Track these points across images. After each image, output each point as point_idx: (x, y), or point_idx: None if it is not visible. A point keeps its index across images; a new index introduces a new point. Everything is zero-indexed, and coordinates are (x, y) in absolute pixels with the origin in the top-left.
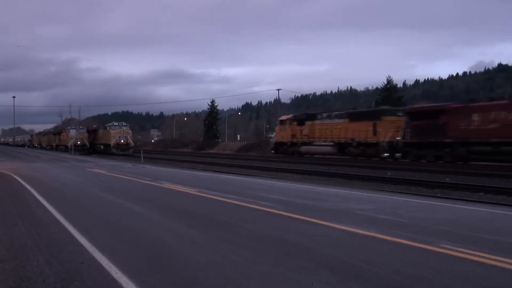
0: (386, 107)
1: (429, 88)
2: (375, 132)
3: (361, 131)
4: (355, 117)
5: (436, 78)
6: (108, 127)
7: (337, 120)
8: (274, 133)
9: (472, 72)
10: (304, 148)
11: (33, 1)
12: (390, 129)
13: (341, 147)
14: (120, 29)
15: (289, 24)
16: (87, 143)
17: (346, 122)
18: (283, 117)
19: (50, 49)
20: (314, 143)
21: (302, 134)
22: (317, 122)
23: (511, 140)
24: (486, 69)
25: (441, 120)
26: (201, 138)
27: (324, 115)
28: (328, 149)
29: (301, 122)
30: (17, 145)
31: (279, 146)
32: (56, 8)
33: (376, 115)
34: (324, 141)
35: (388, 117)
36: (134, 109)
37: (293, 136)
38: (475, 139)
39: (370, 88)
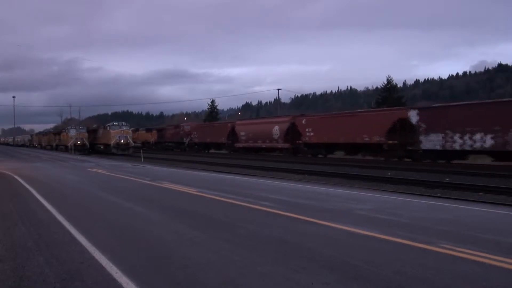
0: (147, 127)
1: (429, 88)
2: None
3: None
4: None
5: (436, 78)
6: (108, 127)
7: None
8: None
9: (473, 72)
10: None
11: (34, 1)
12: (154, 136)
13: None
14: (122, 29)
15: (291, 24)
16: (87, 143)
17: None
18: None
19: (51, 49)
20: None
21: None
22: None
23: (178, 141)
24: (486, 69)
25: (168, 131)
26: None
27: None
28: None
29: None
30: (17, 145)
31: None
32: (57, 8)
33: (151, 130)
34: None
35: (154, 131)
36: (134, 109)
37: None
38: (168, 140)
39: (370, 88)
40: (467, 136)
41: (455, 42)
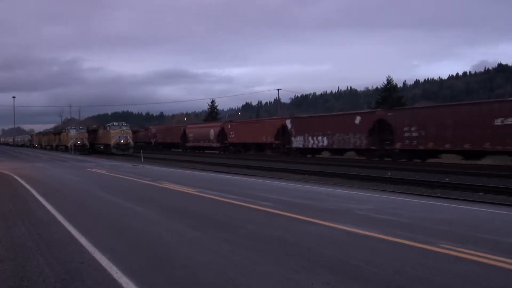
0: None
1: (429, 88)
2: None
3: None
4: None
5: (437, 78)
6: (108, 127)
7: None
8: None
9: (473, 72)
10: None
11: (34, 1)
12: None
13: None
14: (122, 29)
15: (291, 24)
16: (87, 143)
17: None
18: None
19: (51, 49)
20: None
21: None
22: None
23: (147, 141)
24: (486, 69)
25: (140, 133)
26: None
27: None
28: None
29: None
30: (17, 145)
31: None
32: (58, 8)
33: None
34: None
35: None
36: (134, 109)
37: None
38: (140, 141)
39: (370, 88)
40: (316, 138)
41: (455, 42)
